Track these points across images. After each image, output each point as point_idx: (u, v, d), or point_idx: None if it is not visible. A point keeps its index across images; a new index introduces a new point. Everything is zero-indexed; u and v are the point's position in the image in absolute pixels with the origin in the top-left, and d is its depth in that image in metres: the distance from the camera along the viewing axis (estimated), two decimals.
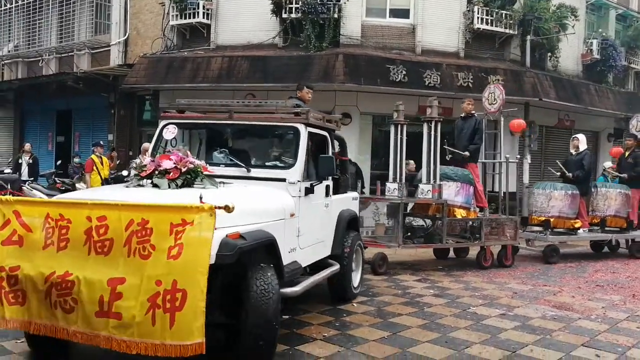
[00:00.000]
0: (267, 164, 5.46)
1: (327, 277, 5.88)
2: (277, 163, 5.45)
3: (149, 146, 5.99)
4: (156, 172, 4.36)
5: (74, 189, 12.34)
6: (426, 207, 8.86)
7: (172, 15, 14.29)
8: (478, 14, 13.76)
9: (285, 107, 5.49)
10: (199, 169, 4.50)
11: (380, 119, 13.89)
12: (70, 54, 17.63)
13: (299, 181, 5.10)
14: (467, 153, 9.26)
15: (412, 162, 11.34)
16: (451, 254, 9.87)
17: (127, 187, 4.43)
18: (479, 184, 9.45)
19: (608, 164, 14.20)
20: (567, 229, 10.08)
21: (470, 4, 13.93)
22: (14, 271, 3.70)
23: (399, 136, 8.60)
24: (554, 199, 9.85)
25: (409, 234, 8.76)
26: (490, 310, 6.38)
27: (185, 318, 3.32)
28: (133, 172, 4.62)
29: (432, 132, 8.39)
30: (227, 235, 3.71)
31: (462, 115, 9.68)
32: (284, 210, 4.78)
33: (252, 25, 13.69)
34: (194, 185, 4.43)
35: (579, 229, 10.14)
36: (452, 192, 8.69)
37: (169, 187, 4.27)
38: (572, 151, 10.67)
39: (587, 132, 16.04)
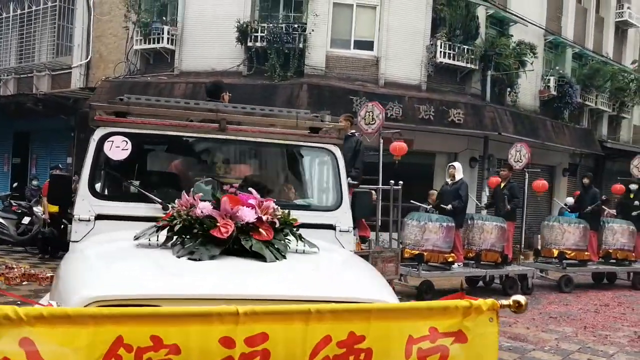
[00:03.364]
0: (296, 202, 3.64)
1: None
2: (312, 201, 3.80)
3: None
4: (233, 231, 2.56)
5: (31, 212, 12.04)
6: None
7: (136, 40, 14.25)
8: (441, 48, 14.08)
9: (311, 119, 3.66)
10: (290, 221, 2.79)
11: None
12: (30, 74, 17.40)
13: (351, 228, 3.51)
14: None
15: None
16: None
17: (178, 256, 2.52)
18: None
19: (570, 200, 14.30)
20: (442, 263, 9.27)
21: (434, 38, 14.25)
22: None
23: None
24: (428, 232, 9.00)
25: None
26: None
27: None
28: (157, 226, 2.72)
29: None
30: None
31: None
32: None
33: (216, 52, 13.74)
34: (293, 250, 2.75)
35: (453, 263, 9.33)
36: None
37: (276, 259, 2.56)
38: (448, 180, 9.85)
39: (544, 166, 16.50)
